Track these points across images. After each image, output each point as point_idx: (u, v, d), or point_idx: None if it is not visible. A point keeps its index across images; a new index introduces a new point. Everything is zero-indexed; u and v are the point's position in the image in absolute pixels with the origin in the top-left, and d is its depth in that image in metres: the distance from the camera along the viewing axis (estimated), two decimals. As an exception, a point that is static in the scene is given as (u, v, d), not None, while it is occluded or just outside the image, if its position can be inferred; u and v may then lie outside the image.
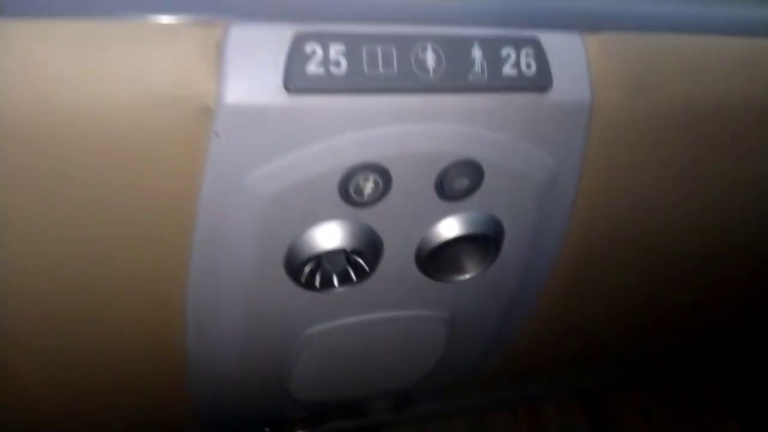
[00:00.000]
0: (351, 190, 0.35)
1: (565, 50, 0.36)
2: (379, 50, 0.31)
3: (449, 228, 0.39)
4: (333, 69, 0.30)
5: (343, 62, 0.31)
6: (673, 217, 0.47)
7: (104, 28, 0.28)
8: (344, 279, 0.39)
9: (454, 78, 0.33)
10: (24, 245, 0.33)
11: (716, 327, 0.70)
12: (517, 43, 0.34)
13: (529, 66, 0.34)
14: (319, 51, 0.30)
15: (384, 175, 0.35)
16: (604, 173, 0.41)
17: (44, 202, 0.31)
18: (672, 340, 0.70)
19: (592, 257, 0.48)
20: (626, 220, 0.46)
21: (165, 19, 0.29)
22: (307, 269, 0.38)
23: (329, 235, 0.37)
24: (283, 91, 0.30)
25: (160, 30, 0.29)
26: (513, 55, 0.34)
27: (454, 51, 0.33)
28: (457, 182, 0.37)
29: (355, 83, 0.31)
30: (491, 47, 0.33)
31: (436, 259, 0.41)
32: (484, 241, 0.41)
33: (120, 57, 0.28)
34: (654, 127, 0.40)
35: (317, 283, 0.39)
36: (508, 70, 0.34)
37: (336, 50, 0.31)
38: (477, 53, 0.33)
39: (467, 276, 0.43)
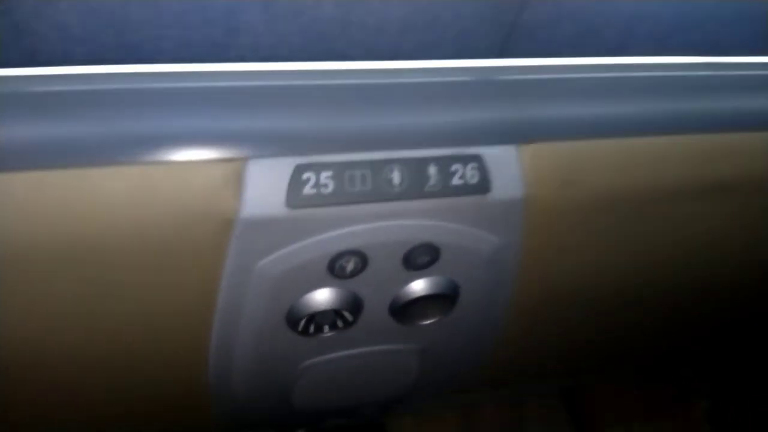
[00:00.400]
0: (337, 268, 0.45)
1: (502, 160, 0.45)
2: (357, 173, 0.42)
3: (414, 289, 0.50)
4: (323, 190, 0.41)
5: (331, 184, 0.41)
6: (604, 275, 0.58)
7: (156, 169, 0.38)
8: (333, 327, 0.51)
9: (414, 190, 0.43)
10: (90, 322, 0.44)
11: (673, 336, 0.81)
12: (464, 160, 0.44)
13: (473, 176, 0.45)
14: (313, 177, 0.41)
15: (362, 257, 0.46)
16: (541, 247, 0.52)
17: (107, 292, 0.43)
18: (631, 349, 0.81)
19: (539, 302, 0.59)
20: (564, 277, 0.57)
21: (201, 155, 0.39)
22: (303, 322, 0.49)
23: (320, 300, 0.48)
24: (286, 207, 0.41)
25: (196, 166, 0.39)
26: (460, 169, 0.44)
27: (415, 170, 0.43)
28: (419, 258, 0.48)
29: (339, 198, 0.42)
30: (443, 165, 0.44)
31: (406, 311, 0.52)
32: (443, 298, 0.52)
33: (166, 190, 0.39)
34: (578, 213, 0.50)
35: (311, 331, 0.50)
36: (456, 180, 0.44)
37: (325, 176, 0.41)
38: (432, 170, 0.44)
39: (431, 321, 0.54)
